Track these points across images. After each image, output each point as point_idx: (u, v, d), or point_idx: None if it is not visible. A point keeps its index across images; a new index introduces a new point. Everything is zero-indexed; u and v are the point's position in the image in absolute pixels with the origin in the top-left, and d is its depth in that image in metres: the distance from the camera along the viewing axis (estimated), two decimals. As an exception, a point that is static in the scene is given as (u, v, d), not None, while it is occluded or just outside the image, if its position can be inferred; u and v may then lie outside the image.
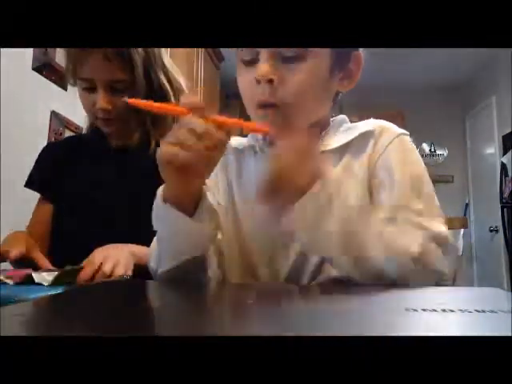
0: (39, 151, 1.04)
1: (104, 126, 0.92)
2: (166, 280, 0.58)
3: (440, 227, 0.55)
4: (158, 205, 0.53)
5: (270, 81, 0.58)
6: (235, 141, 0.70)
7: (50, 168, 0.99)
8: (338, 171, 0.62)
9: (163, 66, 0.94)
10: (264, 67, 0.58)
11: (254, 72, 0.59)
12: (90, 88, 0.88)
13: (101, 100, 0.86)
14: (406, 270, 0.50)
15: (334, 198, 0.50)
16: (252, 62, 0.60)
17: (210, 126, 0.47)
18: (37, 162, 1.02)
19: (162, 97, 0.93)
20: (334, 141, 0.64)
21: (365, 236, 0.50)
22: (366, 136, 0.63)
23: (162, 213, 0.53)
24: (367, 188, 0.62)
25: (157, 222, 0.55)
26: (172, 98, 0.94)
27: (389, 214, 0.57)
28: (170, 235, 0.55)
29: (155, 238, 0.59)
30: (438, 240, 0.53)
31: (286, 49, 0.58)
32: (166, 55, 0.97)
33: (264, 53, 0.59)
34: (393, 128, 0.65)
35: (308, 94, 0.60)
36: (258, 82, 0.59)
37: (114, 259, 0.69)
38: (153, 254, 0.60)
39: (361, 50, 0.66)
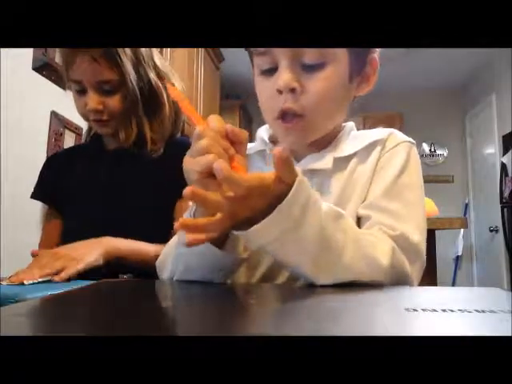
0: (39, 151, 1.05)
1: (98, 128, 0.93)
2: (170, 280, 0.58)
3: (413, 233, 0.55)
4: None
5: (293, 90, 0.58)
6: None
7: (54, 179, 1.01)
8: (345, 178, 0.63)
9: (155, 67, 0.95)
10: (285, 76, 0.57)
11: (274, 82, 0.59)
12: (80, 90, 0.89)
13: (91, 101, 0.87)
14: (377, 280, 0.50)
15: (309, 206, 0.46)
16: (271, 72, 0.60)
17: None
18: (40, 173, 1.04)
19: (155, 95, 0.94)
20: (347, 147, 0.65)
21: (339, 244, 0.48)
22: (375, 144, 0.64)
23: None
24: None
25: (183, 251, 0.53)
26: (165, 97, 0.94)
27: (365, 210, 0.59)
28: (200, 266, 0.53)
29: (170, 247, 0.58)
30: (406, 246, 0.53)
31: (305, 57, 0.58)
32: (157, 55, 0.98)
33: (283, 61, 0.58)
34: (400, 135, 0.66)
35: (330, 101, 0.61)
36: (280, 92, 0.58)
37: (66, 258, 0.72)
38: (168, 265, 0.58)
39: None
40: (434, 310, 0.30)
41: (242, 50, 0.65)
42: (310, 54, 0.58)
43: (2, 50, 1.40)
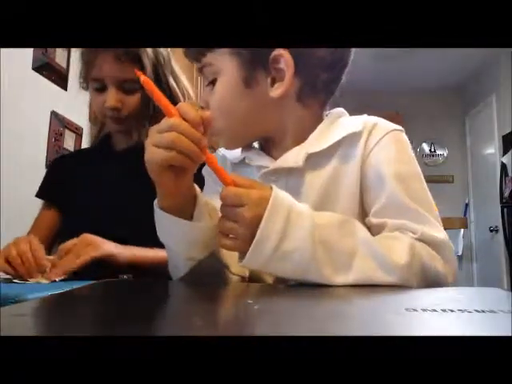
0: (39, 151, 1.05)
1: (113, 125, 0.94)
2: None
3: (433, 229, 0.53)
4: (156, 214, 0.53)
5: (201, 107, 0.64)
6: (230, 155, 0.69)
7: (61, 180, 1.00)
8: (326, 175, 0.60)
9: (172, 71, 0.96)
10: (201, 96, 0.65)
11: None
12: (100, 88, 0.90)
13: (111, 98, 0.88)
14: (403, 280, 0.49)
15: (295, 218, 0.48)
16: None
17: (194, 130, 0.47)
18: (47, 173, 1.04)
19: (171, 99, 0.94)
20: (322, 141, 0.61)
21: (349, 251, 0.49)
22: (356, 135, 0.60)
23: (161, 221, 0.53)
24: (358, 189, 0.59)
25: (160, 232, 0.55)
26: (182, 101, 0.95)
27: (379, 217, 0.56)
28: (175, 242, 0.55)
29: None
30: (434, 244, 0.52)
31: (206, 73, 0.63)
32: (175, 62, 0.99)
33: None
34: (385, 124, 0.62)
35: (226, 111, 0.62)
36: None
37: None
38: (168, 264, 0.60)
39: (353, 51, 0.64)
40: (434, 310, 0.30)
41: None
42: (206, 73, 0.63)
43: (2, 50, 1.40)
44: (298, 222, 0.48)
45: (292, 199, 0.50)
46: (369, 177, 0.59)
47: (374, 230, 0.56)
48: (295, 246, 0.47)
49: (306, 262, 0.47)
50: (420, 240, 0.52)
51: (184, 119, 0.47)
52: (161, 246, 0.81)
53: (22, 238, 0.76)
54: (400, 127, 0.62)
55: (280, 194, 0.49)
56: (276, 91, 0.60)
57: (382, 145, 0.59)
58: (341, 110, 0.67)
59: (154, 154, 0.48)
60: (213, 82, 0.63)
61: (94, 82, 0.90)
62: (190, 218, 0.53)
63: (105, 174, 0.96)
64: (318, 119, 0.65)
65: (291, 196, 0.58)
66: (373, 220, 0.57)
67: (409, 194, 0.56)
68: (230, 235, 0.49)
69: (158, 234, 0.55)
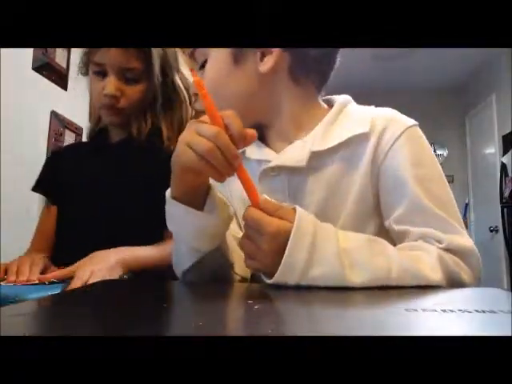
0: (39, 151, 1.04)
1: (108, 116, 0.91)
2: (190, 280, 0.57)
3: (461, 238, 0.52)
4: (168, 203, 0.51)
5: (195, 94, 0.65)
6: None
7: (57, 174, 0.99)
8: (331, 173, 0.58)
9: (178, 66, 0.95)
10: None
11: None
12: (100, 72, 0.87)
13: (110, 85, 0.85)
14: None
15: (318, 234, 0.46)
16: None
17: (231, 144, 0.44)
18: (44, 167, 1.03)
19: (176, 94, 0.94)
20: (327, 139, 0.58)
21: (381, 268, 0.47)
22: (364, 134, 0.57)
23: (172, 211, 0.51)
24: (371, 191, 0.57)
25: (169, 221, 0.53)
26: (186, 97, 0.95)
27: (401, 224, 0.54)
28: (183, 232, 0.53)
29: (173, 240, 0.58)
30: (459, 254, 0.51)
31: (196, 55, 0.62)
32: (183, 62, 0.98)
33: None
34: (400, 120, 0.59)
35: (217, 90, 0.59)
36: None
37: (99, 274, 0.67)
38: (173, 256, 0.58)
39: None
40: (434, 310, 0.30)
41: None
42: (197, 55, 0.62)
43: (2, 50, 1.40)
44: (323, 249, 0.46)
45: (316, 222, 0.48)
46: (387, 179, 0.57)
47: (396, 236, 0.55)
48: (322, 271, 0.45)
49: (338, 284, 0.45)
50: (446, 250, 0.50)
51: (227, 130, 0.44)
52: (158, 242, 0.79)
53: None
54: (414, 121, 0.59)
55: (303, 221, 0.47)
56: (265, 65, 0.59)
57: (399, 146, 0.56)
58: (347, 97, 0.65)
59: (183, 153, 0.46)
60: (204, 66, 0.62)
61: (94, 66, 0.87)
62: (201, 206, 0.51)
63: (100, 167, 0.94)
64: (313, 102, 0.64)
65: (294, 193, 0.57)
66: (395, 227, 0.55)
67: (432, 199, 0.54)
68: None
69: (167, 222, 0.54)
